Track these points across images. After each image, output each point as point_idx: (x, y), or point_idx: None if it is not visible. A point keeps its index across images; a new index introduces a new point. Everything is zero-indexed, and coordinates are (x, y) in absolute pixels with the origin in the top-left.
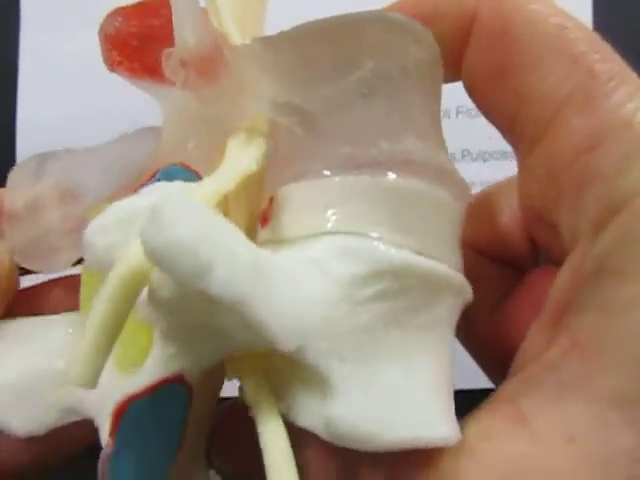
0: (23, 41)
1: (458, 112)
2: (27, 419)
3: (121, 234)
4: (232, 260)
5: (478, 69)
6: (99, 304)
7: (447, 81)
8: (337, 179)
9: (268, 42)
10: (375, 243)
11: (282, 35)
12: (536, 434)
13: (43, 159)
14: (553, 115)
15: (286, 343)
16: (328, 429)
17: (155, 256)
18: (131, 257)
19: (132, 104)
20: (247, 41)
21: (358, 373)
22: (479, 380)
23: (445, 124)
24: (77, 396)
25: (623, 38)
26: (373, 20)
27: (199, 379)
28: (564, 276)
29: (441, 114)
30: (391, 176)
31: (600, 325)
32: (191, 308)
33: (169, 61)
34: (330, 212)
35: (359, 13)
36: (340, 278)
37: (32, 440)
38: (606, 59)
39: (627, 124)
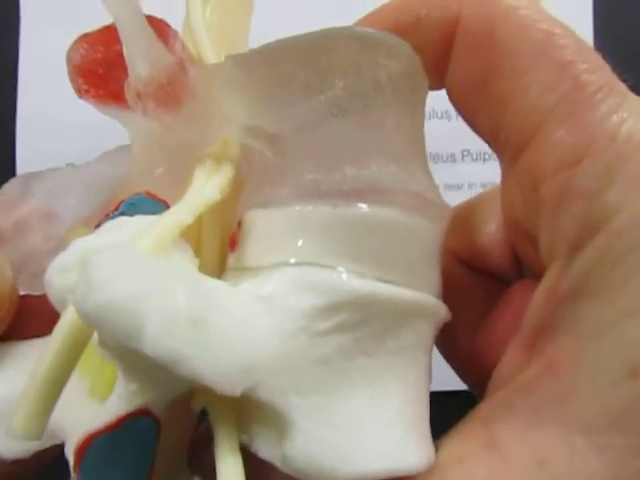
0: (23, 41)
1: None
2: (11, 444)
3: (77, 274)
4: (165, 317)
5: (462, 75)
6: (43, 358)
7: (432, 89)
8: (300, 208)
9: (239, 60)
10: (336, 274)
11: (253, 53)
12: (507, 458)
13: (28, 179)
14: (537, 126)
15: (230, 389)
16: (286, 463)
17: (88, 319)
18: (73, 313)
19: None
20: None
21: (317, 406)
22: None
23: (445, 125)
24: (58, 422)
25: (623, 42)
26: (344, 37)
27: (167, 409)
28: (540, 296)
29: (442, 115)
30: (354, 206)
31: (574, 350)
32: (137, 355)
33: (128, 92)
34: (292, 243)
35: (330, 30)
36: (298, 312)
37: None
38: (593, 69)
39: (611, 137)
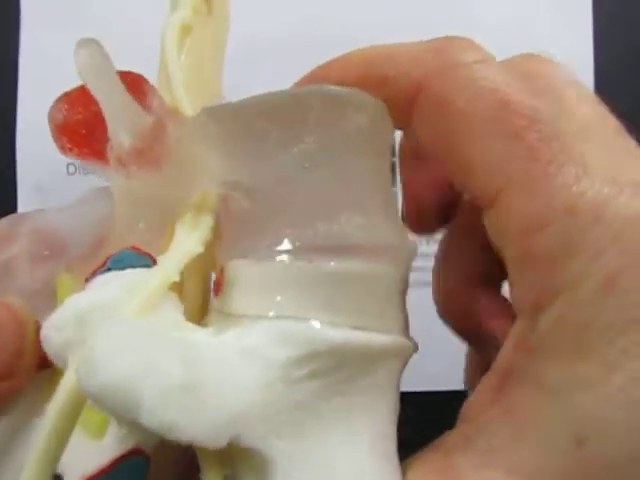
0: (23, 41)
1: None
2: (10, 473)
3: (74, 331)
4: (159, 391)
5: (425, 136)
6: (45, 427)
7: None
8: (278, 263)
9: (214, 113)
10: (311, 326)
11: (227, 107)
12: None
13: (15, 221)
14: (496, 193)
15: (216, 443)
16: None
17: (91, 397)
18: (72, 382)
19: None
20: (197, 110)
21: (297, 447)
22: None
23: None
24: None
25: (623, 41)
26: (313, 94)
27: (158, 445)
28: (509, 345)
29: None
30: (327, 261)
31: (532, 402)
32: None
33: (111, 156)
34: (271, 296)
35: (301, 88)
36: (276, 362)
37: None
38: (548, 137)
39: (569, 210)
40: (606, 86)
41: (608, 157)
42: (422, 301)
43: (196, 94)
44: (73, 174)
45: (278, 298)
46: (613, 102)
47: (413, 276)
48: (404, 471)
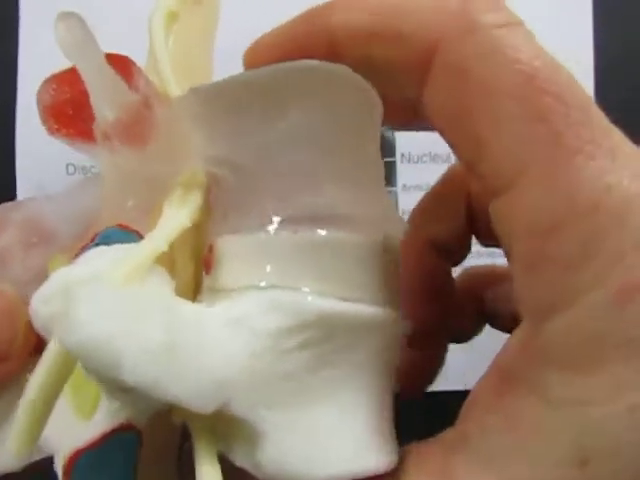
0: (23, 41)
1: None
2: (4, 460)
3: (60, 304)
4: (140, 350)
5: (438, 106)
6: (32, 386)
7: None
8: (265, 235)
9: (200, 92)
10: (300, 295)
11: (213, 85)
12: None
13: (6, 210)
14: (512, 180)
15: (203, 408)
16: (259, 470)
17: (72, 353)
18: (58, 346)
19: None
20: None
21: (286, 417)
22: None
23: None
24: (46, 435)
25: (623, 41)
26: (297, 69)
27: (150, 421)
28: (512, 346)
29: None
30: (313, 231)
31: (536, 413)
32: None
33: (96, 132)
34: (260, 267)
35: (284, 64)
36: (265, 332)
37: None
38: (578, 122)
39: (593, 207)
40: (606, 85)
41: (637, 153)
42: None
43: (184, 80)
44: (73, 174)
45: (267, 269)
46: (613, 101)
47: None
48: (405, 454)
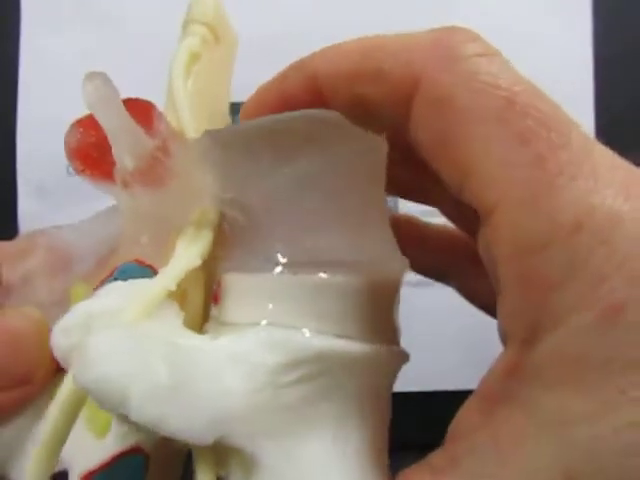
0: (24, 41)
1: None
2: (21, 471)
3: (80, 336)
4: (147, 388)
5: (423, 136)
6: (47, 422)
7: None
8: (269, 276)
9: (215, 136)
10: (299, 333)
11: (227, 130)
12: None
13: (33, 235)
14: (495, 203)
15: (202, 442)
16: None
17: (85, 390)
18: (72, 381)
19: None
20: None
21: (282, 447)
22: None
23: None
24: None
25: (624, 40)
26: (307, 119)
27: (157, 445)
28: (498, 368)
29: None
30: (314, 274)
31: (521, 430)
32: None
33: (117, 177)
34: (262, 306)
35: (293, 113)
36: (265, 367)
37: None
38: (558, 145)
39: (575, 227)
40: (605, 85)
41: (620, 171)
42: (423, 302)
43: (202, 117)
44: (73, 175)
45: (269, 307)
46: (612, 101)
47: (415, 277)
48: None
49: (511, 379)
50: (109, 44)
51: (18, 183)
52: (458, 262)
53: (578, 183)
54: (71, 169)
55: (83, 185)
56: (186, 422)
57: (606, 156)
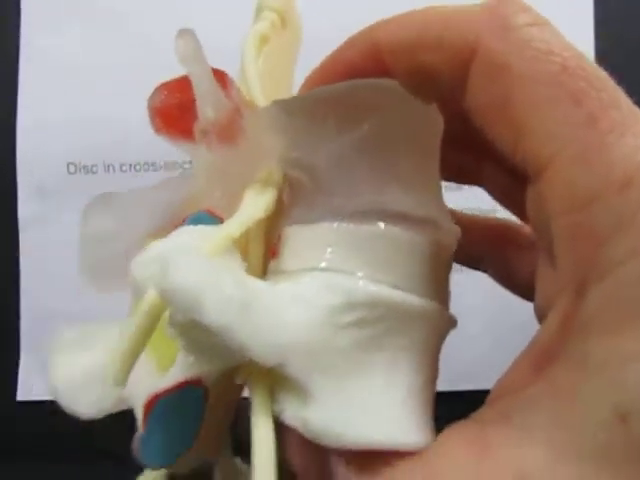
0: (23, 41)
1: None
2: (88, 405)
3: (155, 269)
4: (218, 298)
5: (479, 100)
6: (129, 327)
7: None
8: (328, 225)
9: (283, 105)
10: (355, 279)
11: (294, 99)
12: (492, 463)
13: (109, 197)
14: (549, 160)
15: (265, 361)
16: (305, 428)
17: (162, 296)
18: (153, 294)
19: (130, 103)
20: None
21: (335, 384)
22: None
23: None
24: (129, 391)
25: (624, 40)
26: (368, 87)
27: (216, 381)
28: (552, 324)
29: None
30: (373, 224)
31: (577, 381)
32: (197, 331)
33: (196, 129)
34: (321, 252)
35: (357, 81)
36: (323, 307)
37: None
38: (609, 105)
39: (624, 183)
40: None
41: None
42: None
43: (270, 93)
44: (74, 173)
45: (327, 254)
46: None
47: None
48: (438, 436)
49: (563, 333)
50: (109, 44)
51: (18, 183)
52: (491, 248)
53: (627, 140)
54: (72, 168)
55: (84, 184)
56: (253, 337)
57: None
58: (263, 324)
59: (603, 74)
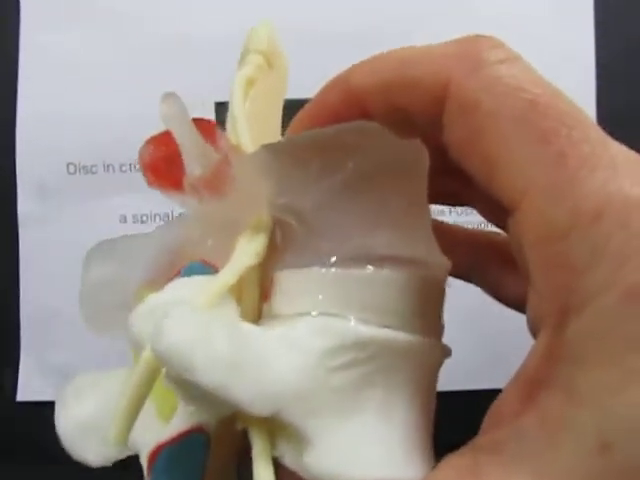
0: (23, 40)
1: None
2: (96, 453)
3: (150, 323)
4: (210, 357)
5: (455, 137)
6: (127, 387)
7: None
8: (319, 270)
9: (270, 149)
10: (346, 322)
11: (281, 143)
12: None
13: (110, 244)
14: (521, 195)
15: (259, 413)
16: (305, 471)
17: (157, 357)
18: (149, 353)
19: (130, 103)
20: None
21: (331, 427)
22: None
23: None
24: (134, 437)
25: (624, 39)
26: (350, 130)
27: (217, 427)
28: (537, 353)
29: None
30: (362, 268)
31: (562, 410)
32: (192, 386)
33: (186, 185)
34: (313, 298)
35: (338, 125)
36: (316, 351)
37: None
38: (577, 141)
39: (594, 216)
40: (608, 85)
41: (635, 163)
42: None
43: (257, 136)
44: (74, 173)
45: (319, 298)
46: (614, 104)
47: None
48: (433, 471)
49: (549, 361)
50: (109, 43)
51: (18, 182)
52: (482, 260)
53: (598, 174)
54: (72, 168)
55: (83, 184)
56: (246, 391)
57: (622, 150)
58: (255, 377)
59: (575, 110)
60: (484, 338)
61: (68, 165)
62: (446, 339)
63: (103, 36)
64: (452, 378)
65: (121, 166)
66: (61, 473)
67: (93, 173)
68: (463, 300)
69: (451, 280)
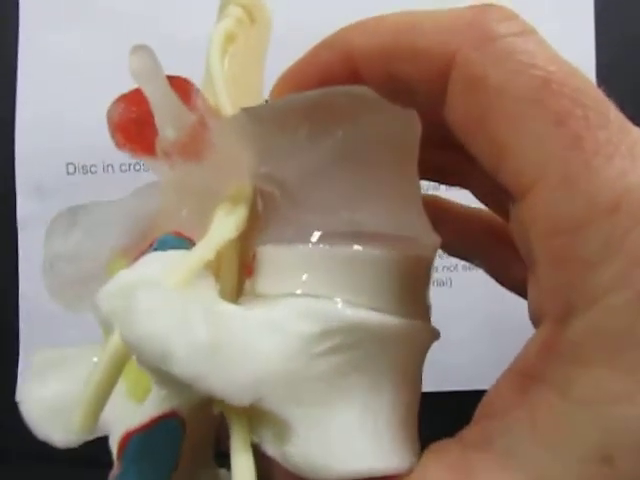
0: (23, 40)
1: None
2: (62, 434)
3: (121, 301)
4: (189, 346)
5: (459, 113)
6: (95, 373)
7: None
8: (303, 247)
9: (252, 113)
10: (332, 304)
11: (263, 107)
12: None
13: (75, 211)
14: (532, 182)
15: (239, 401)
16: (286, 460)
17: (130, 347)
18: (117, 338)
19: None
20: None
21: (313, 415)
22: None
23: None
24: (103, 417)
25: (625, 38)
26: (343, 94)
27: (192, 411)
28: (533, 346)
29: None
30: (349, 246)
31: (558, 410)
32: (166, 373)
33: (158, 149)
34: (297, 277)
35: (329, 89)
36: (299, 336)
37: None
38: (596, 124)
39: (612, 208)
40: (608, 85)
41: None
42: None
43: (238, 98)
44: (73, 174)
45: (303, 278)
46: (615, 101)
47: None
48: (422, 458)
49: (546, 357)
50: (109, 43)
51: (17, 183)
52: (487, 243)
53: (615, 163)
54: (71, 168)
55: (83, 184)
56: (225, 381)
57: None
58: (235, 365)
59: (593, 89)
60: (497, 338)
61: (67, 165)
62: (458, 340)
63: (103, 36)
64: (467, 377)
65: (121, 166)
66: (61, 473)
67: (92, 173)
68: (477, 300)
69: (462, 281)
